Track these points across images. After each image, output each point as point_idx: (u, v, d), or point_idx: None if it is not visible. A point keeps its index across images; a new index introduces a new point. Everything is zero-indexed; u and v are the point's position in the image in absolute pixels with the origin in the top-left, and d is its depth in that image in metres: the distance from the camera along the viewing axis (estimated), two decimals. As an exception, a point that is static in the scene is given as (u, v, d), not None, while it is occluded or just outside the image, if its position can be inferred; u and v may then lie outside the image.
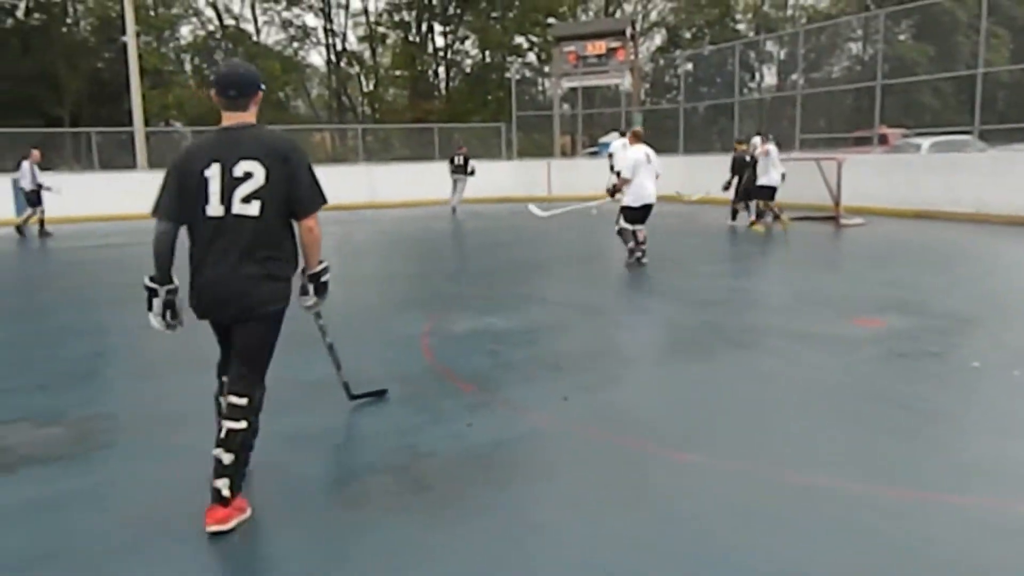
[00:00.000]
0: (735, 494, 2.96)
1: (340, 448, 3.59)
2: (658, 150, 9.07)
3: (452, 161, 17.77)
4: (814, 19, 34.38)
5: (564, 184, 20.70)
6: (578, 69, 22.77)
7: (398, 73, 36.35)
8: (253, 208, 2.78)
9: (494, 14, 34.94)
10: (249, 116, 2.88)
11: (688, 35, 35.42)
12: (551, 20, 33.69)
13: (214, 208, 2.78)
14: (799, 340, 5.26)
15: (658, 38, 38.54)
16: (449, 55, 36.83)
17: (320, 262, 3.08)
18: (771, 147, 11.89)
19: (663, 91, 35.41)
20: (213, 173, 2.77)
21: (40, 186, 14.26)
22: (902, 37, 30.98)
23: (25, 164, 14.25)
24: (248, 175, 2.77)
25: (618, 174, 9.16)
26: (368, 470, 3.28)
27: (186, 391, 4.50)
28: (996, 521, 2.72)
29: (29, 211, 14.53)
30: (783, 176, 11.96)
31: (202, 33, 34.32)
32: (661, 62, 35.56)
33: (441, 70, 37.21)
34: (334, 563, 2.56)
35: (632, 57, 23.15)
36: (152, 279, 2.89)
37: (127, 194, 18.42)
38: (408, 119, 30.48)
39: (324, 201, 2.89)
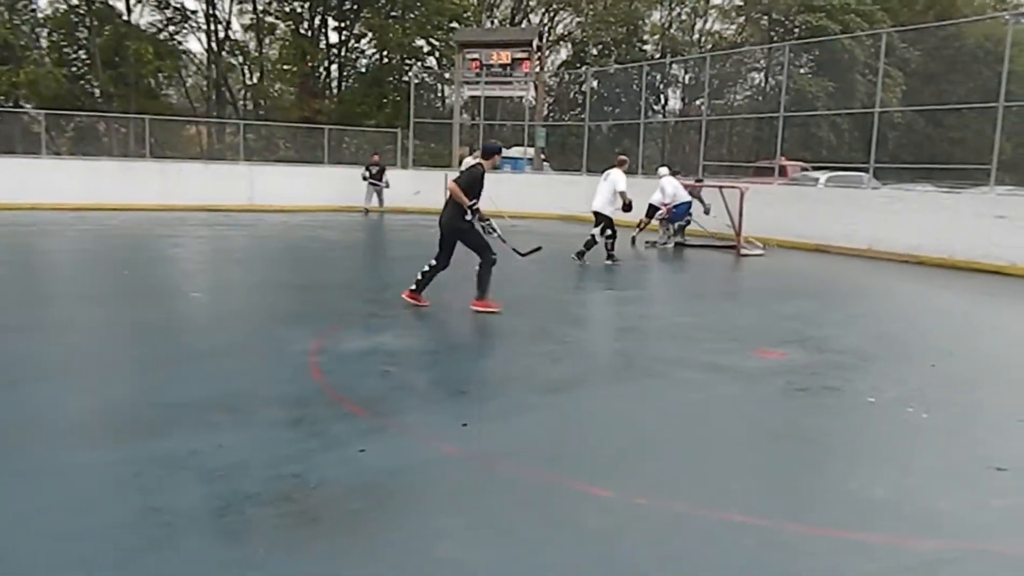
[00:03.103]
0: (648, 530, 3.01)
1: (216, 476, 3.40)
2: (560, 167, 10.34)
3: (368, 169, 19.40)
4: (719, 46, 36.10)
5: (462, 197, 20.78)
6: (481, 78, 22.97)
7: (286, 67, 35.45)
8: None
9: (394, 13, 34.78)
10: (481, 161, 7.17)
11: (595, 51, 36.38)
12: (455, 24, 33.87)
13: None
14: (705, 370, 5.44)
15: (564, 52, 39.42)
16: (343, 52, 36.33)
17: (475, 210, 6.97)
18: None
19: (567, 107, 36.22)
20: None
21: None
22: (803, 71, 32.96)
23: None
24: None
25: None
26: (249, 501, 3.13)
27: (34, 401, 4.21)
28: (897, 558, 2.88)
29: None
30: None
31: (63, 7, 32.45)
32: (566, 77, 36.41)
33: (334, 68, 36.59)
34: (212, 606, 2.43)
35: (537, 70, 23.58)
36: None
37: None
38: (295, 118, 29.79)
39: (457, 180, 7.01)
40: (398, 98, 32.28)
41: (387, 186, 19.50)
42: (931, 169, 19.17)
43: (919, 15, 33.15)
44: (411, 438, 3.95)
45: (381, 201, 19.62)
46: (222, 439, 3.78)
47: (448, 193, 6.97)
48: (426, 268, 7.15)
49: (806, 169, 20.63)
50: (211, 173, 20.26)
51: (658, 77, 33.27)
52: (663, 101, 36.05)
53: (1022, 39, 36.15)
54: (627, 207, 10.94)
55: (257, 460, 3.56)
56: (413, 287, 7.20)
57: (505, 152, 25.47)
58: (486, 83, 23.09)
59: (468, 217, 6.94)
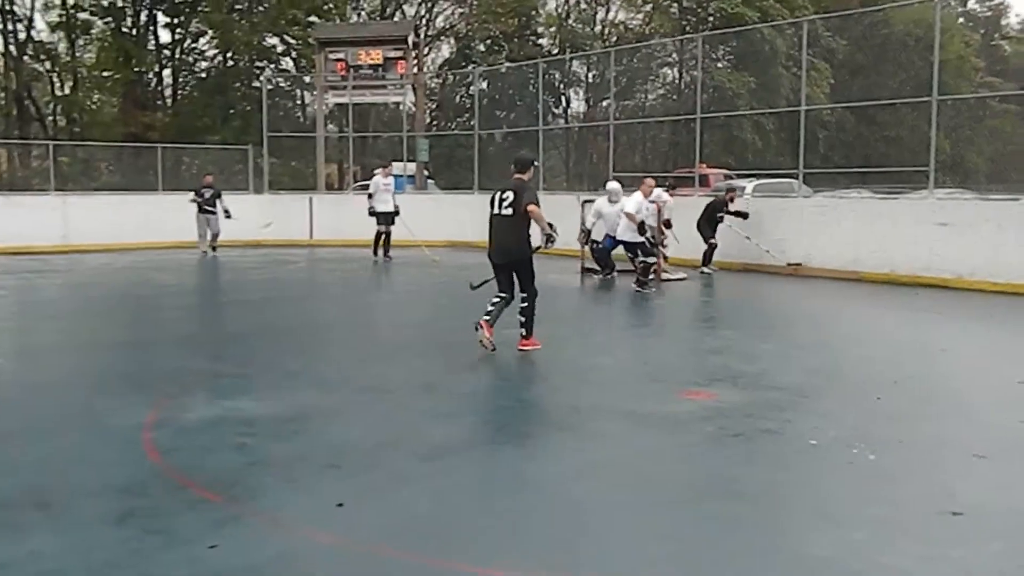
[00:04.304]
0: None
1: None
2: (448, 185, 10.43)
3: (200, 195, 18.04)
4: (624, 39, 37.29)
5: (330, 226, 20.54)
6: (348, 81, 22.95)
7: (106, 74, 34.57)
8: (508, 211, 7.52)
9: (238, 6, 34.48)
10: (523, 176, 7.69)
11: (482, 48, 36.99)
12: (313, 19, 33.81)
13: (495, 210, 7.64)
14: (626, 419, 5.55)
15: (446, 49, 39.93)
16: (178, 55, 35.70)
17: (550, 224, 7.61)
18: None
19: (453, 114, 36.60)
20: (496, 196, 7.70)
21: None
22: (720, 65, 34.42)
23: None
24: (506, 197, 7.57)
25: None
26: (69, 622, 2.99)
27: None
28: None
29: None
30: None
31: None
32: (451, 79, 36.78)
33: (167, 74, 35.94)
34: None
35: (415, 70, 23.75)
36: None
37: None
38: (120, 135, 29.00)
39: (535, 202, 7.46)
40: (248, 108, 31.91)
41: (228, 216, 17.96)
42: (866, 172, 20.26)
43: (842, 0, 35.18)
44: (275, 525, 3.86)
45: (215, 235, 18.20)
46: (33, 544, 3.61)
47: (501, 219, 7.58)
48: (495, 301, 7.66)
49: (730, 177, 21.42)
50: (13, 206, 19.41)
51: (557, 76, 34.09)
52: (565, 103, 36.90)
53: (952, 25, 38.87)
54: (642, 229, 12.13)
55: (78, 567, 3.41)
56: (487, 318, 7.57)
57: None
58: (354, 88, 23.08)
59: (535, 244, 7.66)
